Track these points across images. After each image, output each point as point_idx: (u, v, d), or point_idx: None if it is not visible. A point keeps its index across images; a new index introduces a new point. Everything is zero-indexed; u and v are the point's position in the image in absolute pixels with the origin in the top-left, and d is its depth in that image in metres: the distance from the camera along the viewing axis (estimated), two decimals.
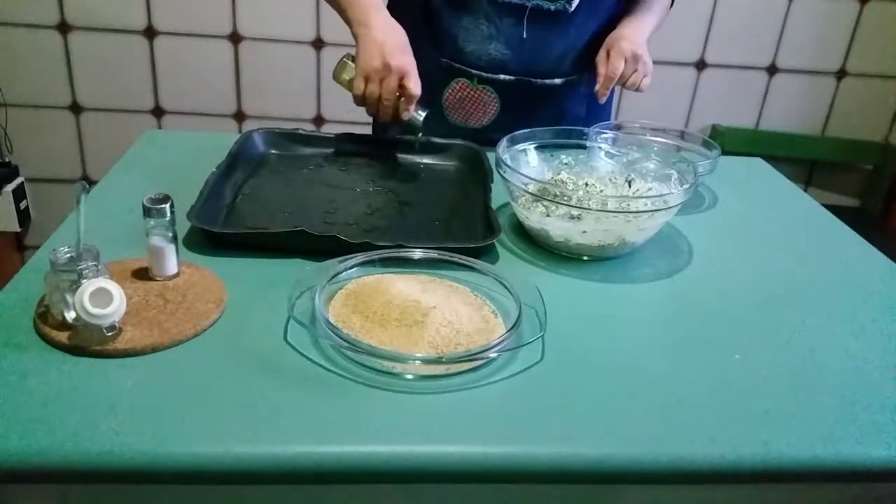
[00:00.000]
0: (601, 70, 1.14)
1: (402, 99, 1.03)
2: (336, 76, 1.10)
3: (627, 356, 0.73)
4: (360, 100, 1.05)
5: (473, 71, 1.19)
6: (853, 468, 0.62)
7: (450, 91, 1.21)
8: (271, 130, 1.16)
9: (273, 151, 1.14)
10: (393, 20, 1.06)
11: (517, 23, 1.13)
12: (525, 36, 1.14)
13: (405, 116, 1.05)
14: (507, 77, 1.19)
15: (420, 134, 1.09)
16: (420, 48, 1.18)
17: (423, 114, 1.07)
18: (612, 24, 1.20)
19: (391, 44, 1.02)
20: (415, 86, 1.02)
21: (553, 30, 1.15)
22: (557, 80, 1.21)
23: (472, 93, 1.20)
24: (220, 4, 2.09)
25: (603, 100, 1.16)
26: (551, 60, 1.19)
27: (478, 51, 1.17)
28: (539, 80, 1.20)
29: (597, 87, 1.15)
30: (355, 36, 1.05)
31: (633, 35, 1.15)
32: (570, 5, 1.13)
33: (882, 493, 0.68)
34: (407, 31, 1.11)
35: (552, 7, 1.12)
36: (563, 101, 1.24)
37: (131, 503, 0.61)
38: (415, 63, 1.04)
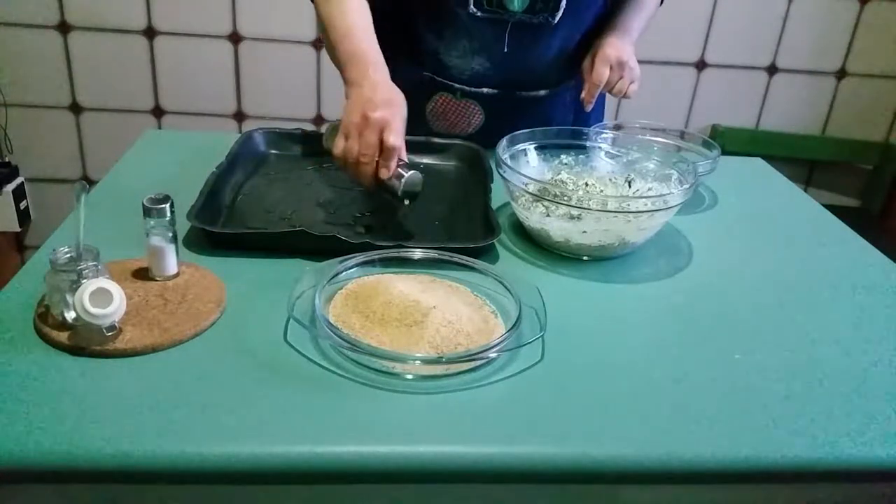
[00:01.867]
0: (586, 77, 1.13)
1: (381, 156, 0.90)
2: (325, 142, 1.01)
3: (627, 356, 0.73)
4: (340, 160, 0.92)
5: (456, 85, 1.17)
6: (853, 468, 0.62)
7: (433, 104, 1.20)
8: (271, 130, 1.16)
9: (273, 151, 1.14)
10: (389, 80, 0.96)
11: (499, 37, 1.11)
12: (507, 50, 1.12)
13: (382, 175, 0.89)
14: (491, 90, 1.17)
15: (406, 202, 0.91)
16: (401, 62, 1.16)
17: (406, 175, 0.89)
18: (597, 29, 1.18)
19: (377, 98, 0.91)
20: (395, 139, 0.88)
21: (536, 42, 1.13)
22: (542, 92, 1.20)
23: (455, 105, 1.19)
24: (219, 4, 2.09)
25: (589, 107, 1.15)
26: (535, 72, 1.17)
27: (460, 65, 1.15)
28: (523, 92, 1.19)
29: (582, 95, 1.14)
30: (347, 96, 0.95)
31: (619, 41, 1.14)
32: (554, 18, 1.10)
33: (883, 492, 0.67)
34: (389, 44, 1.03)
35: (535, 20, 1.10)
36: (548, 110, 1.23)
37: (131, 503, 0.61)
38: (403, 118, 0.92)
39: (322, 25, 1.03)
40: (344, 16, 0.99)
